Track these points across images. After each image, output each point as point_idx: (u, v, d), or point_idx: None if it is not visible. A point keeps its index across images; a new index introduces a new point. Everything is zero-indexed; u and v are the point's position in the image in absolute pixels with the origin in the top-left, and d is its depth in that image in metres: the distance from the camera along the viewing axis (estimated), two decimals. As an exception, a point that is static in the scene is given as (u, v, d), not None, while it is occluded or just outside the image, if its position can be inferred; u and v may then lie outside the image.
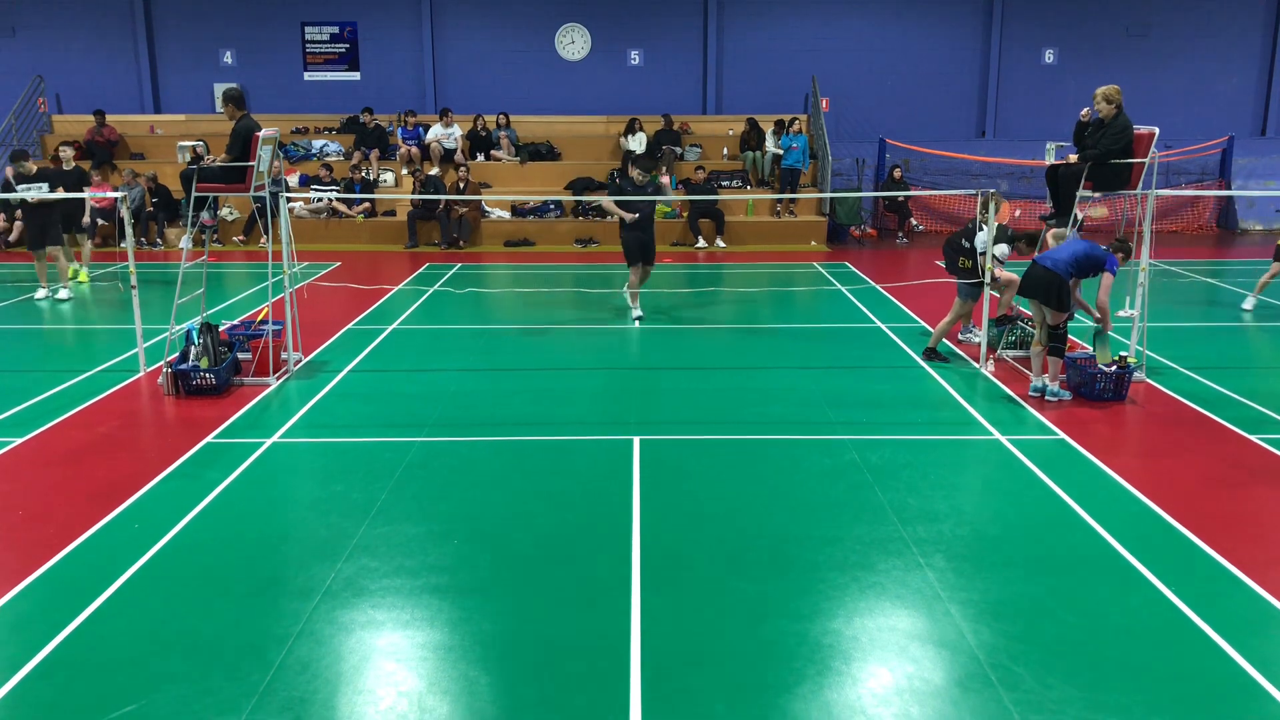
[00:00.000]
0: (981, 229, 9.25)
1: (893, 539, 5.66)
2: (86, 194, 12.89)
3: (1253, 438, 7.43)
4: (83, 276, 13.88)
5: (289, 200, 10.25)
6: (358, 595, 5.01)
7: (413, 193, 18.08)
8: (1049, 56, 21.29)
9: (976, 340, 9.95)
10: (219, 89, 20.84)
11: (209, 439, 7.37)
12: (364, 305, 12.45)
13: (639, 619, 4.78)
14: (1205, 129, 20.85)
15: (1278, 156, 20.98)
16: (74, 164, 13.87)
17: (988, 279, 9.29)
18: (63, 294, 12.70)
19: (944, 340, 10.21)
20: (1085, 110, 9.01)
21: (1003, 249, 9.63)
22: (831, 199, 19.13)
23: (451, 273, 15.22)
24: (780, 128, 19.13)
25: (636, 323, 11.24)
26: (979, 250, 9.28)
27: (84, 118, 20.03)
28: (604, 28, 21.12)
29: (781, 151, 18.84)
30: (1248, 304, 12.22)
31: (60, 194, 12.17)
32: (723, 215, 17.94)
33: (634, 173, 11.07)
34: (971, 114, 21.59)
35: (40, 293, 12.76)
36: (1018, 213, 15.98)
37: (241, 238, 17.93)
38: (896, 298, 12.99)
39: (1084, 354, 8.86)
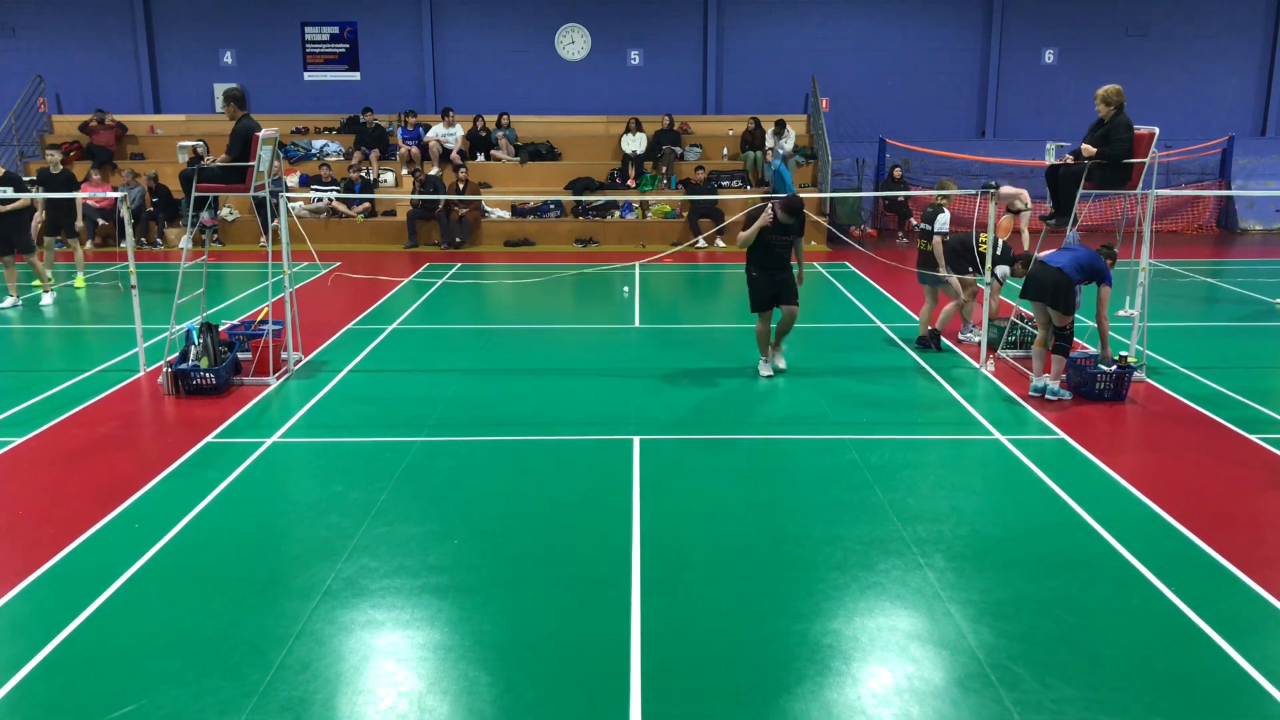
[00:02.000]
0: (943, 211, 9.52)
1: (893, 539, 5.66)
2: (78, 195, 12.67)
3: (1253, 438, 7.43)
4: (79, 281, 13.73)
5: (289, 200, 10.24)
6: (358, 595, 5.01)
7: (413, 193, 18.08)
8: (1049, 56, 21.28)
9: (976, 340, 9.95)
10: (219, 89, 20.84)
11: (209, 439, 7.37)
12: (364, 305, 12.45)
13: (639, 619, 4.78)
14: (1205, 129, 20.84)
15: (1278, 156, 20.98)
16: (61, 167, 13.49)
17: (942, 273, 9.47)
18: (46, 299, 12.39)
19: (943, 339, 10.20)
20: None
21: (1003, 270, 9.74)
22: (831, 199, 19.12)
23: (451, 273, 15.22)
24: (780, 128, 19.10)
25: (764, 378, 9.27)
26: (936, 232, 9.52)
27: (83, 117, 20.01)
28: (604, 28, 21.12)
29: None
30: None
31: (22, 200, 11.78)
32: (723, 215, 17.94)
33: (783, 216, 9.17)
34: (971, 114, 21.59)
35: (7, 301, 12.27)
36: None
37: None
38: (896, 297, 12.98)
39: (1084, 354, 8.86)
